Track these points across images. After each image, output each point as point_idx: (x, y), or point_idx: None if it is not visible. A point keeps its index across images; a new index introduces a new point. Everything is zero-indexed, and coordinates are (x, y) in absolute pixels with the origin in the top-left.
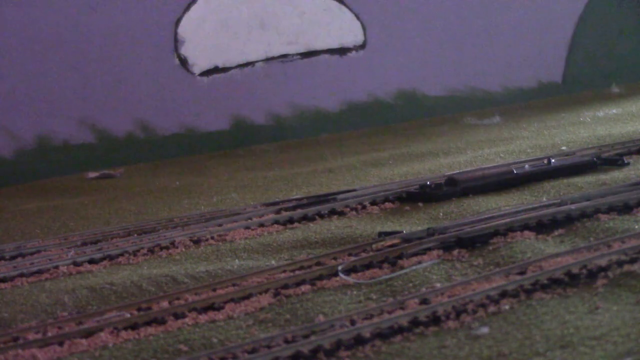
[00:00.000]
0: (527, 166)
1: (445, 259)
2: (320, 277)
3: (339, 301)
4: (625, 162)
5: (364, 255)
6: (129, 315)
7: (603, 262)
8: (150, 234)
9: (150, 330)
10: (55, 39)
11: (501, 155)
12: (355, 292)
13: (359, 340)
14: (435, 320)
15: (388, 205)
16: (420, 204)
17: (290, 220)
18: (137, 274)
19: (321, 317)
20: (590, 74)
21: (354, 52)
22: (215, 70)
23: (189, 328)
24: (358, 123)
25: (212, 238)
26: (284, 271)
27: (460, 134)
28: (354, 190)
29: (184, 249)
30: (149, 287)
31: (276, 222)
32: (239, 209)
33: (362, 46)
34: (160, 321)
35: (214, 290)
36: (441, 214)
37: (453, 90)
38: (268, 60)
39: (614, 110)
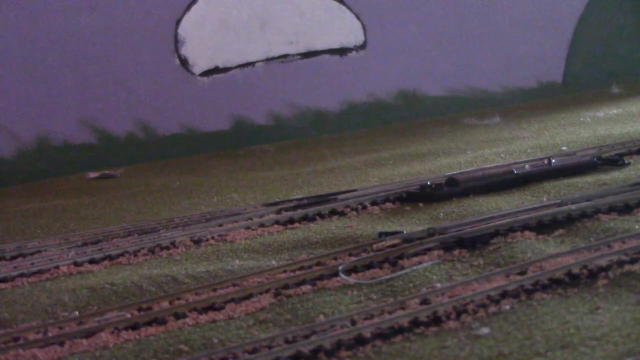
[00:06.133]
0: (527, 166)
1: (446, 259)
2: (321, 277)
3: (339, 301)
4: (626, 162)
5: (364, 255)
6: (129, 316)
7: (603, 262)
8: (150, 234)
9: (151, 330)
10: (55, 39)
11: (501, 155)
12: (355, 292)
13: (360, 341)
14: (435, 320)
15: (388, 205)
16: (421, 204)
17: (291, 221)
18: (138, 274)
19: (322, 317)
20: (590, 74)
21: (354, 52)
22: (216, 70)
23: (189, 328)
24: (358, 123)
25: (213, 238)
26: (285, 271)
27: (460, 134)
28: (355, 190)
29: (184, 249)
30: (150, 287)
31: (277, 222)
32: (240, 209)
33: (362, 46)
34: (160, 321)
35: (215, 290)
36: (441, 214)
37: (453, 90)
38: (268, 60)
39: (614, 110)
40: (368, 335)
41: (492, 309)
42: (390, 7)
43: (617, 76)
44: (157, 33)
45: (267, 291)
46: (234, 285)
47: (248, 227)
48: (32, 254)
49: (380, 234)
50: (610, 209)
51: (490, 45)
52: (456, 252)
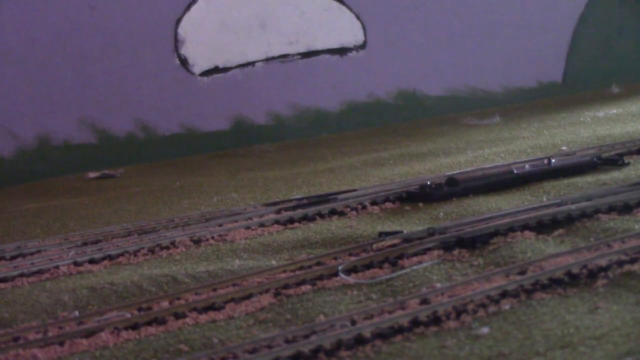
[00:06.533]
0: (527, 166)
1: (446, 259)
2: (321, 277)
3: (339, 301)
4: (626, 162)
5: (364, 255)
6: (129, 315)
7: (603, 262)
8: (150, 234)
9: (151, 330)
10: (55, 39)
11: (501, 155)
12: (355, 292)
13: (360, 340)
14: (435, 320)
15: (388, 205)
16: (421, 204)
17: (291, 220)
18: (138, 274)
19: (322, 317)
20: (590, 74)
21: (354, 52)
22: (216, 70)
23: (189, 328)
24: (358, 123)
25: (213, 238)
26: (285, 271)
27: (460, 134)
28: (355, 190)
29: (184, 249)
30: (150, 287)
31: (276, 222)
32: (239, 209)
33: (362, 46)
34: (160, 321)
35: (215, 290)
36: (441, 214)
37: (453, 90)
38: (268, 60)
39: (614, 110)
40: (368, 335)
41: (492, 308)
42: (390, 7)
43: (617, 76)
44: (157, 33)
45: (267, 291)
46: (234, 285)
47: (248, 227)
48: (32, 254)
49: (380, 234)
50: (610, 209)
51: (490, 45)
52: (456, 252)
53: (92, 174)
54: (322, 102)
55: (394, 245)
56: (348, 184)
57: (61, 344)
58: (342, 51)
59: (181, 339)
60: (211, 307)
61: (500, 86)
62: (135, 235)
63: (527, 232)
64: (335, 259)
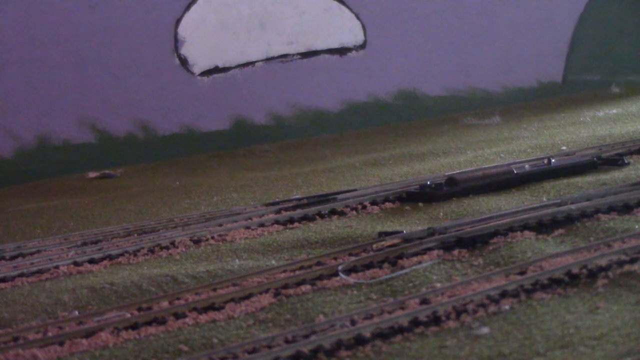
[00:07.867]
0: (527, 166)
1: (446, 259)
2: (321, 277)
3: (339, 301)
4: (626, 162)
5: (364, 255)
6: (129, 315)
7: (603, 262)
8: (150, 234)
9: (151, 330)
10: (55, 39)
11: (501, 155)
12: (355, 292)
13: (360, 340)
14: (435, 320)
15: (388, 205)
16: (421, 204)
17: (291, 220)
18: (138, 274)
19: (321, 317)
20: (590, 74)
21: (354, 52)
22: (216, 70)
23: (189, 328)
24: (358, 123)
25: (213, 238)
26: (285, 271)
27: (460, 134)
28: (354, 190)
29: (184, 249)
30: (150, 287)
31: (276, 222)
32: (239, 209)
33: (362, 46)
34: (160, 321)
35: (215, 290)
36: (441, 214)
37: (453, 90)
38: (268, 60)
39: (614, 110)
40: (368, 335)
41: (492, 308)
42: (390, 7)
43: (617, 76)
44: (157, 33)
45: (267, 291)
46: (233, 285)
47: (248, 227)
48: (32, 253)
49: (380, 234)
50: (610, 209)
51: (490, 45)
52: (456, 252)
53: (92, 174)
54: (322, 102)
55: (394, 245)
56: (348, 184)
57: (61, 344)
58: (342, 51)
59: (181, 339)
60: (211, 307)
61: (500, 86)
62: (135, 235)
63: (527, 232)
64: (335, 259)
